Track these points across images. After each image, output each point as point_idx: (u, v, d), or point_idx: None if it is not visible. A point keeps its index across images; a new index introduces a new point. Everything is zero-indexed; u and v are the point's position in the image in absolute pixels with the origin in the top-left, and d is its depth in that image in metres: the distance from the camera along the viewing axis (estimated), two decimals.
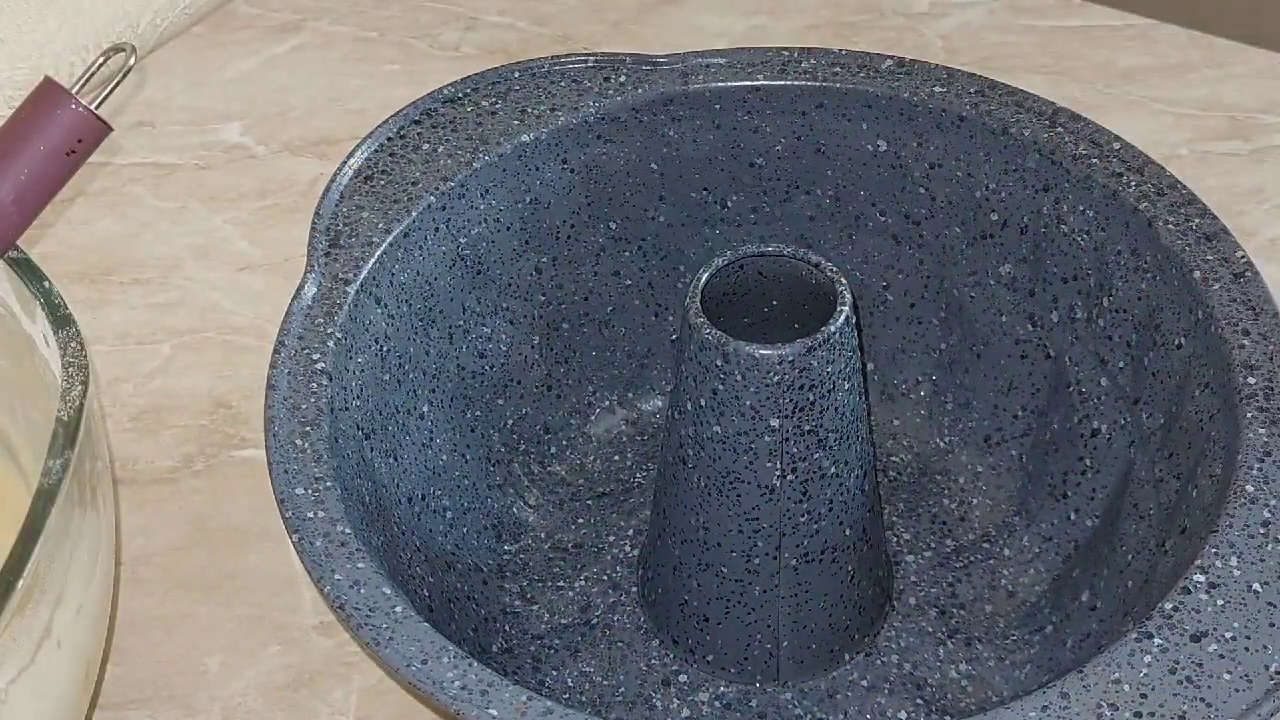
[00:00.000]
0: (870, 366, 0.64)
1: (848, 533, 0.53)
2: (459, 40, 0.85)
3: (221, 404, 0.65)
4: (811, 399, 0.49)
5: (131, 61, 0.48)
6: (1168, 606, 0.44)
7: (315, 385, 0.51)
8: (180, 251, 0.73)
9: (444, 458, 0.58)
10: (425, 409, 0.57)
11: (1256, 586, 0.44)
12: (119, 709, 0.55)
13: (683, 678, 0.56)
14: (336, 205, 0.56)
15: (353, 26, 0.86)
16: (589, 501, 0.62)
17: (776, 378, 0.48)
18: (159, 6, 0.82)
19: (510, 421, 0.61)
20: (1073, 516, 0.58)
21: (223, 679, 0.56)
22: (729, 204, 0.62)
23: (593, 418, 0.64)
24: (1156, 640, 0.43)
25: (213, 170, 0.77)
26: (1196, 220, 0.54)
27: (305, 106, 0.81)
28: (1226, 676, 0.42)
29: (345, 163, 0.57)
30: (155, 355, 0.68)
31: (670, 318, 0.64)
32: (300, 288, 0.53)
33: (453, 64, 0.83)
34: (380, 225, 0.55)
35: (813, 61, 0.60)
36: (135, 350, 0.68)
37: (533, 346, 0.62)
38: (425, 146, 0.58)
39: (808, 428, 0.50)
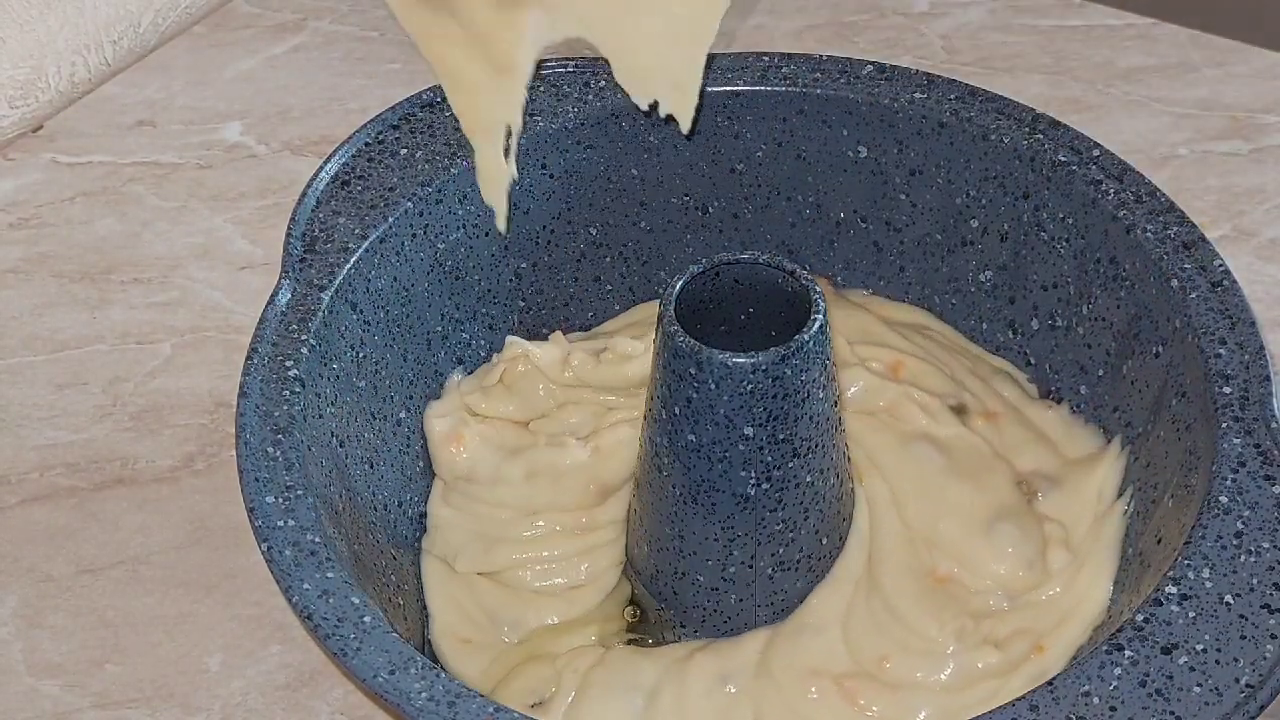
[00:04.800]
0: None
1: (824, 541, 0.53)
2: None
3: (222, 403, 0.65)
4: (786, 407, 0.49)
5: None
6: (1139, 618, 0.44)
7: (288, 392, 0.51)
8: (180, 251, 0.73)
9: (422, 464, 0.58)
10: (403, 415, 0.57)
11: (1228, 599, 0.44)
12: (119, 708, 0.55)
13: None
14: (313, 211, 0.56)
15: (353, 26, 0.86)
16: None
17: (750, 386, 0.48)
18: (160, 6, 0.82)
19: None
20: None
21: (223, 678, 0.56)
22: (710, 210, 0.62)
23: None
24: (1127, 652, 0.43)
25: (213, 170, 0.77)
26: (1175, 228, 0.53)
27: (305, 106, 0.81)
28: (1197, 689, 0.42)
29: (322, 168, 0.57)
30: (156, 355, 0.68)
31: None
32: (274, 294, 0.53)
33: None
34: (356, 231, 0.55)
35: (793, 68, 0.60)
36: (135, 350, 0.68)
37: None
38: (403, 152, 0.58)
39: (782, 436, 0.50)
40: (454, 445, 0.57)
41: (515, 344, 0.58)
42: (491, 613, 0.54)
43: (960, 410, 0.57)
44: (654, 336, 0.50)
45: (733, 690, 0.51)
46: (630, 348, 0.57)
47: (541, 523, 0.56)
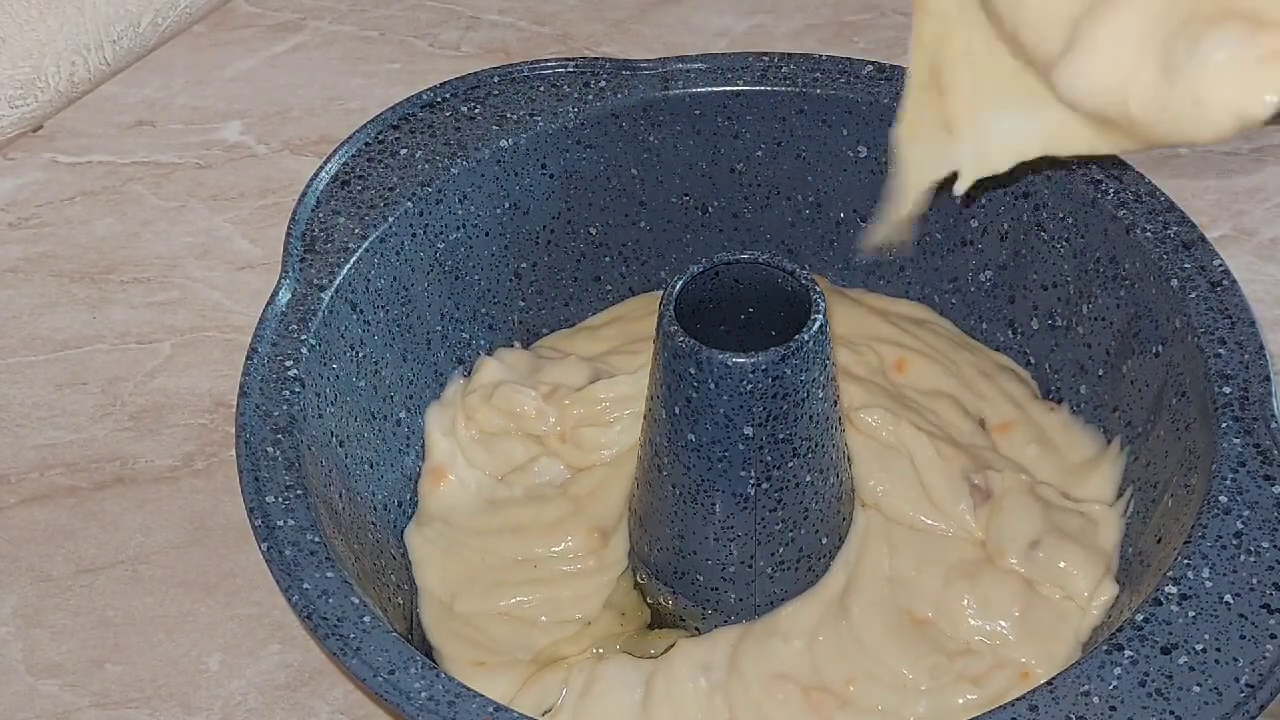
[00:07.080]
0: None
1: (824, 541, 0.53)
2: (459, 39, 0.85)
3: (221, 403, 0.65)
4: (785, 407, 0.49)
5: None
6: (1139, 618, 0.44)
7: (288, 392, 0.51)
8: (180, 251, 0.73)
9: (422, 464, 0.58)
10: (402, 415, 0.57)
11: (1228, 598, 0.44)
12: (119, 708, 0.55)
13: None
14: (313, 211, 0.56)
15: (353, 26, 0.86)
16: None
17: (750, 386, 0.48)
18: (160, 5, 0.82)
19: None
20: None
21: (223, 678, 0.56)
22: (710, 209, 0.62)
23: None
24: (1127, 652, 0.43)
25: (213, 169, 0.77)
26: (1175, 228, 0.53)
27: (305, 106, 0.81)
28: (1196, 689, 0.42)
29: (322, 168, 0.57)
30: (155, 354, 0.68)
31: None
32: (274, 294, 0.53)
33: (453, 63, 0.83)
34: (356, 231, 0.55)
35: (793, 67, 0.60)
36: (135, 349, 0.68)
37: None
38: (403, 151, 0.58)
39: (782, 436, 0.50)
40: (437, 481, 0.57)
41: (508, 395, 0.57)
42: (503, 641, 0.54)
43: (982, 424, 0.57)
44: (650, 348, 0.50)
45: (712, 681, 0.51)
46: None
47: (546, 566, 0.56)
